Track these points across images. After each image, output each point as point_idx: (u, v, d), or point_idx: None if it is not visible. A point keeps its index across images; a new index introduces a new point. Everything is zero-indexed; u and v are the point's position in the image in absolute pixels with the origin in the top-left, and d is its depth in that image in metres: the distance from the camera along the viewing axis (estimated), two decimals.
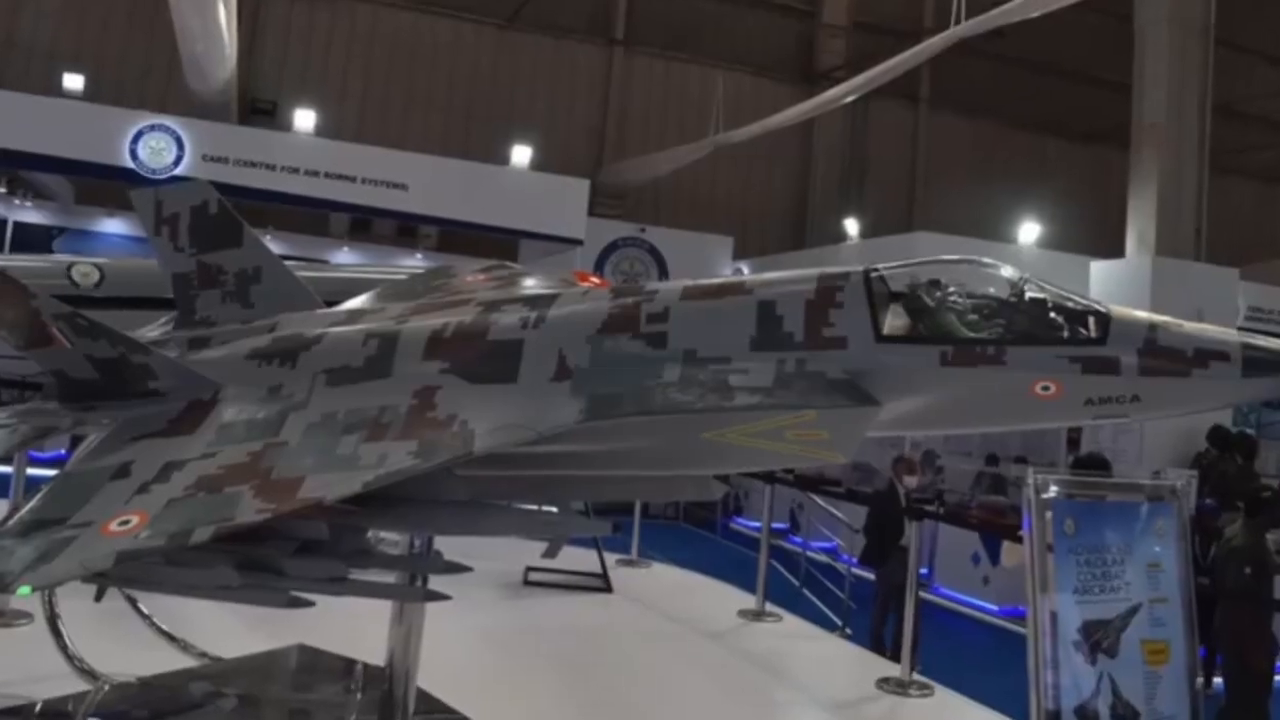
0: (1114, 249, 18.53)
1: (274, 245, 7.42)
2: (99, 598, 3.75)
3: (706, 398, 3.43)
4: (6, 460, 6.01)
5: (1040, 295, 3.64)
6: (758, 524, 12.65)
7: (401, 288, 5.07)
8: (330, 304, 4.67)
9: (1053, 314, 3.60)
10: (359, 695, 5.11)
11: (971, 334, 3.58)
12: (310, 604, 3.36)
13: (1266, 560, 8.68)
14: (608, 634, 7.68)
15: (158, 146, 17.15)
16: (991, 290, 3.71)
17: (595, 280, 6.04)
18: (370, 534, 3.81)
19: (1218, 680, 9.02)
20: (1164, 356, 3.44)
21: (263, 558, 3.31)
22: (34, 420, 4.18)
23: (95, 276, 7.49)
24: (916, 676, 6.75)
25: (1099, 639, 4.45)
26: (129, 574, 3.36)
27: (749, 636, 7.83)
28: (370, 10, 24.59)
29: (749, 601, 8.52)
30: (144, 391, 3.88)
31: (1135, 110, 18.20)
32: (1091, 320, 3.55)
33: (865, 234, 23.31)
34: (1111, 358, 3.45)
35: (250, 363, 4.06)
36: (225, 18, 15.62)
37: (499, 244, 19.03)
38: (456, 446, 3.33)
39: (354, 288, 5.19)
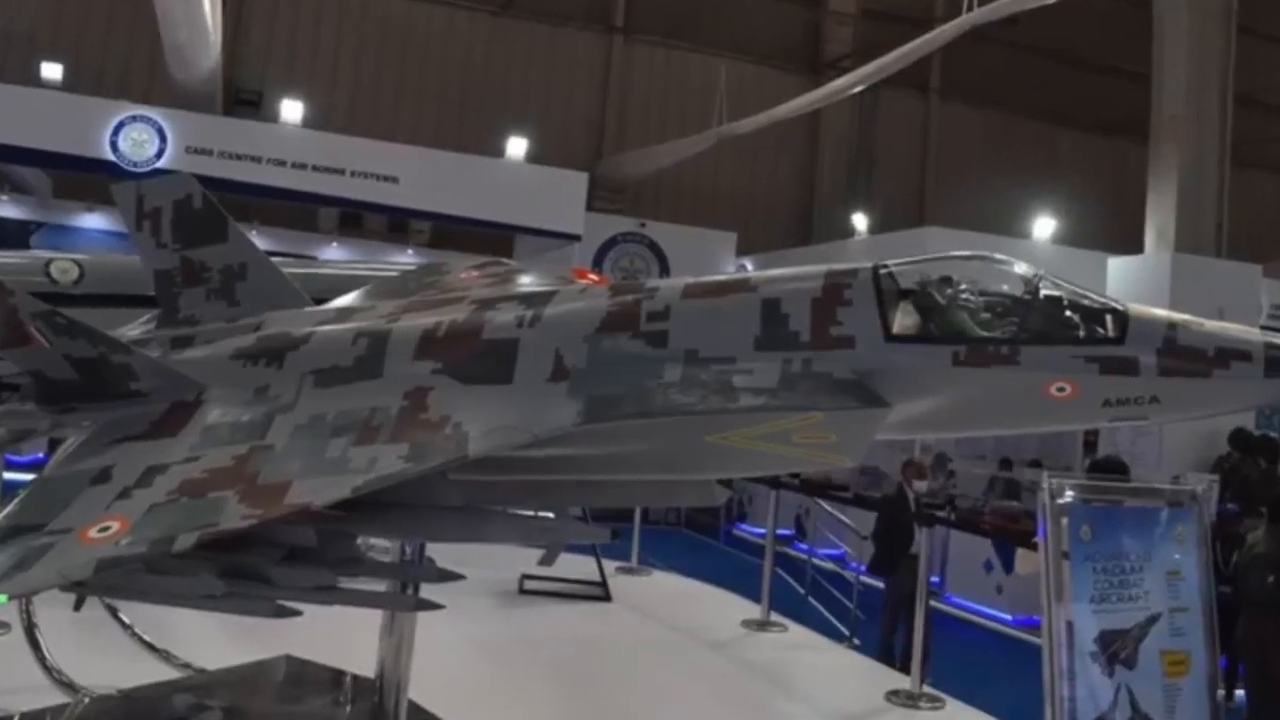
0: (1132, 245, 18.55)
1: (260, 241, 7.45)
2: (78, 607, 3.76)
3: (709, 399, 3.43)
4: None
5: (1056, 293, 3.64)
6: (762, 530, 12.63)
7: (392, 285, 5.07)
8: (319, 302, 4.67)
9: (1068, 312, 3.60)
10: (348, 708, 5.11)
11: (984, 333, 3.58)
12: (298, 613, 3.37)
13: None
14: (606, 644, 7.68)
15: (139, 138, 17.16)
16: (1005, 288, 3.71)
17: (593, 277, 6.05)
18: (360, 541, 3.81)
19: (1240, 692, 9.01)
20: (1184, 356, 3.44)
21: (248, 565, 3.31)
22: (10, 423, 4.18)
23: (74, 273, 7.47)
24: (927, 689, 6.75)
25: (1117, 650, 4.46)
26: (109, 582, 3.36)
27: (753, 647, 7.83)
28: None
29: (753, 611, 8.52)
30: (125, 393, 3.88)
31: (1154, 100, 18.22)
32: (1109, 319, 3.55)
33: (874, 229, 23.31)
34: (1130, 358, 3.45)
35: (235, 363, 4.06)
36: (209, 5, 15.63)
37: (494, 240, 19.04)
38: (450, 450, 3.33)
39: (343, 285, 5.19)
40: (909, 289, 3.69)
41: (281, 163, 17.94)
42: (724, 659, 7.47)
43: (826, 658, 8.02)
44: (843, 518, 13.52)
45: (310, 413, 3.69)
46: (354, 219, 21.00)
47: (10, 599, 3.46)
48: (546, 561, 4.38)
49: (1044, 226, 21.04)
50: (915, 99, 28.47)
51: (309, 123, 20.48)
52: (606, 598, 8.62)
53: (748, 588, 9.26)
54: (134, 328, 4.64)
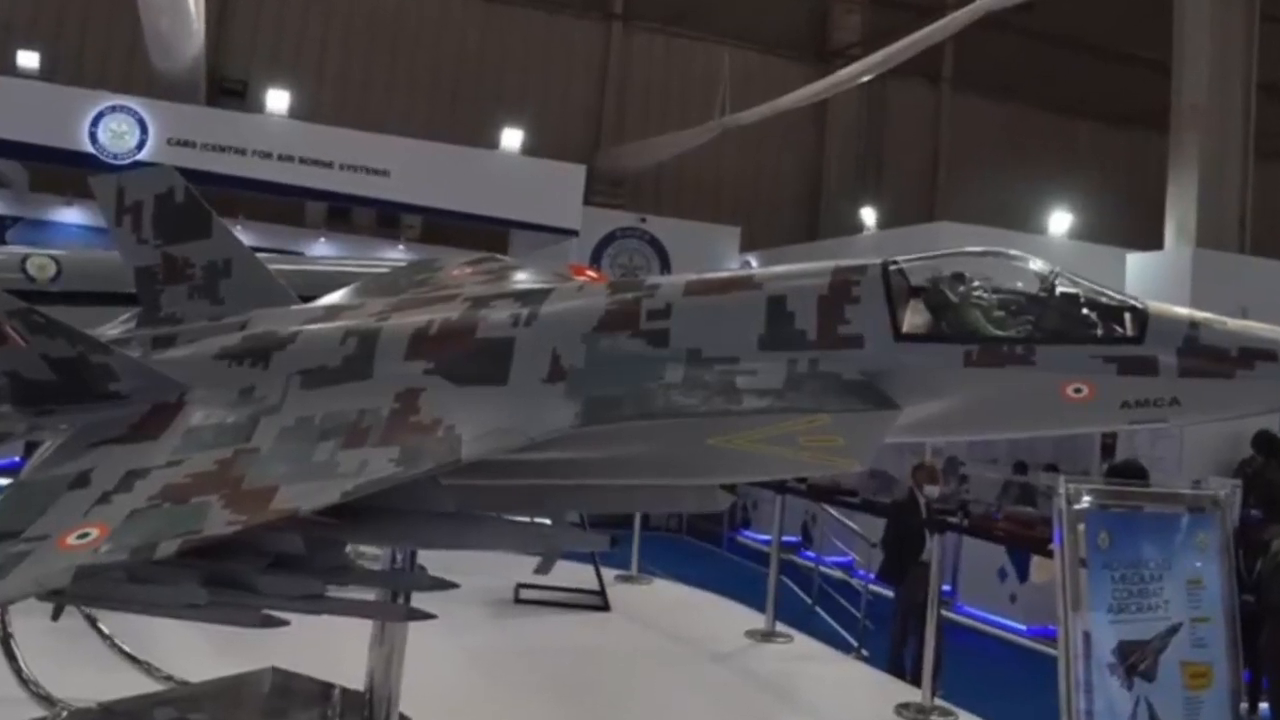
0: (1152, 240, 18.53)
1: (245, 236, 7.44)
2: (56, 616, 3.75)
3: (712, 400, 3.43)
4: None
5: (1072, 290, 3.64)
6: (767, 537, 12.65)
7: (383, 282, 5.08)
8: (306, 299, 4.68)
9: (1085, 310, 3.60)
10: None
11: (998, 332, 3.58)
12: (284, 623, 3.37)
13: None
14: (605, 655, 7.69)
15: (119, 129, 17.18)
16: (1019, 285, 3.71)
17: (591, 274, 6.05)
18: (349, 548, 3.82)
19: (1264, 705, 9.01)
20: (1206, 356, 3.44)
21: (233, 573, 3.31)
22: None
23: (52, 270, 7.49)
24: (938, 702, 6.76)
25: (1135, 661, 4.46)
26: (88, 591, 3.36)
27: (757, 658, 7.84)
28: None
29: (757, 621, 8.53)
30: (105, 394, 3.89)
31: (1174, 90, 18.19)
32: (1127, 317, 3.55)
33: (883, 224, 23.31)
34: (1149, 358, 3.45)
35: (219, 363, 4.07)
36: None
37: (488, 235, 19.06)
38: (442, 453, 3.33)
39: (331, 282, 5.20)
40: (920, 286, 3.70)
41: (267, 155, 17.95)
42: (727, 670, 7.48)
43: (834, 669, 8.03)
44: (851, 524, 13.53)
45: (297, 415, 3.70)
46: (343, 213, 21.01)
47: None
48: (543, 569, 4.41)
49: (1060, 221, 21.03)
50: (926, 89, 28.46)
51: (296, 113, 20.45)
52: (605, 607, 8.62)
53: (752, 597, 9.26)
54: (114, 326, 4.65)
